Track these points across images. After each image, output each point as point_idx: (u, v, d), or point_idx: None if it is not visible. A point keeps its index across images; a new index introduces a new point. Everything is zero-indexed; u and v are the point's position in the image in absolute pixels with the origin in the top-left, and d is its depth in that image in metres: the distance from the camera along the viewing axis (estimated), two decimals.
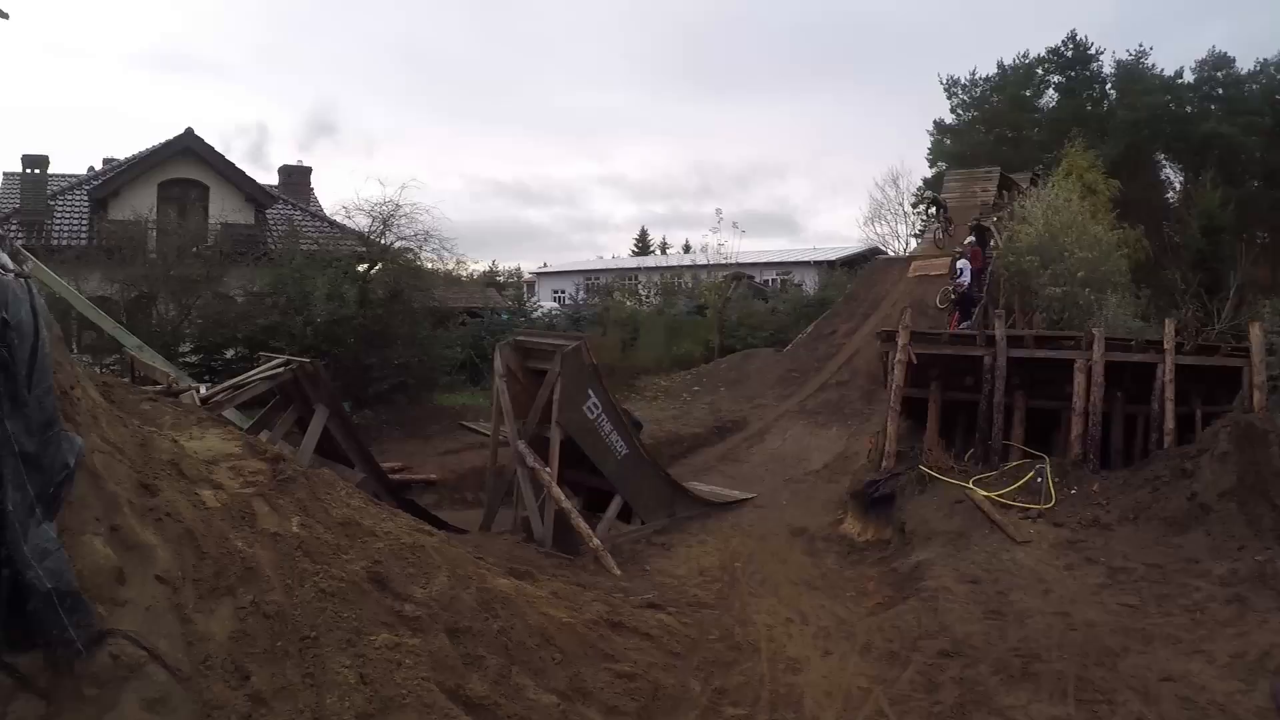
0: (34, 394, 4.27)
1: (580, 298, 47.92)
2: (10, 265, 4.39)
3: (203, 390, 11.21)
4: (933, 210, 27.80)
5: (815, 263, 49.83)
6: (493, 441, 13.61)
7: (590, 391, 12.47)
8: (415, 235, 23.04)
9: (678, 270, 46.23)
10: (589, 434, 12.51)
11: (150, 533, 5.14)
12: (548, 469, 11.89)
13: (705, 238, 64.22)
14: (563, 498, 11.86)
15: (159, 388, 10.49)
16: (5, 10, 5.77)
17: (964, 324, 20.27)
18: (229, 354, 20.72)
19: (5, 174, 28.50)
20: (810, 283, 44.10)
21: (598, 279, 55.88)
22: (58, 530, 4.45)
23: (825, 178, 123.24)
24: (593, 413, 12.47)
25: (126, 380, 11.62)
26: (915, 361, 14.08)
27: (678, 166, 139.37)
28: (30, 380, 4.24)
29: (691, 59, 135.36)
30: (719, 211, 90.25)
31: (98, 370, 13.23)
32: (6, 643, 4.21)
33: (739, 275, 36.84)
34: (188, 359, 19.68)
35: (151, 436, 6.37)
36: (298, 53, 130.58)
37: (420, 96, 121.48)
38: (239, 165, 28.00)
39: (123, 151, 38.55)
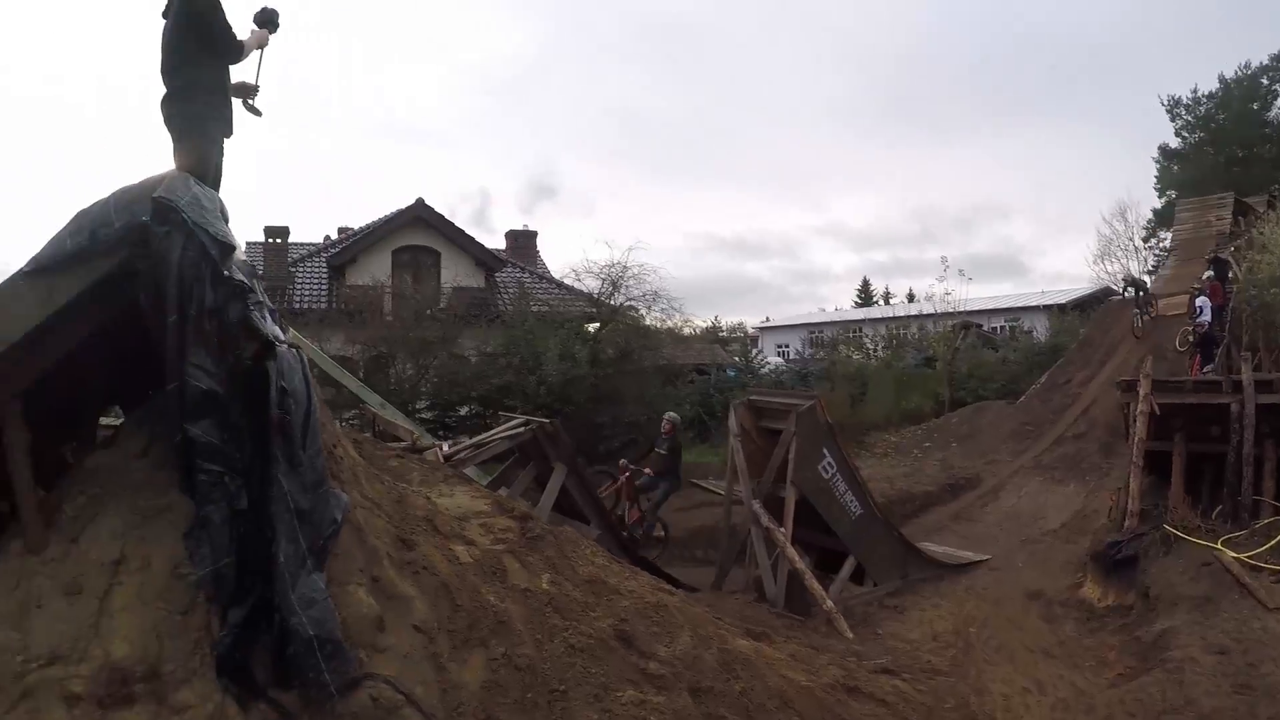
0: (307, 454, 4.52)
1: (806, 352, 47.47)
2: (284, 337, 4.70)
3: (445, 447, 11.60)
4: (1129, 292, 25.65)
5: (1044, 307, 47.70)
6: (727, 500, 13.53)
7: (825, 450, 12.23)
8: (643, 295, 23.53)
9: (903, 321, 45.12)
10: (823, 494, 12.26)
11: (408, 584, 5.36)
12: (782, 529, 11.74)
13: (931, 286, 62.77)
14: (797, 558, 11.65)
15: (403, 444, 10.94)
16: (259, 109, 6.19)
17: (1206, 368, 18.88)
18: (463, 411, 21.50)
19: (249, 244, 30.62)
20: (1040, 328, 42.07)
21: (821, 332, 54.98)
22: (325, 581, 4.68)
23: (1049, 215, 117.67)
24: (827, 472, 12.21)
25: (368, 435, 12.16)
26: (1157, 412, 13.25)
27: (896, 212, 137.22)
28: (304, 442, 4.49)
29: (901, 101, 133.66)
30: (944, 259, 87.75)
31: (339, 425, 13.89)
32: (273, 680, 4.48)
33: (967, 324, 35.52)
34: (423, 415, 20.46)
35: (407, 493, 6.66)
36: (516, 119, 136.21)
37: (636, 156, 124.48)
38: (466, 230, 29.12)
39: (356, 220, 40.75)
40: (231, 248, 4.31)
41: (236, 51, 5.76)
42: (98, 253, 4.31)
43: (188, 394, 4.10)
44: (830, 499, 12.27)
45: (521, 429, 11.78)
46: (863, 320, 48.68)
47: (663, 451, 15.30)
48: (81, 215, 4.49)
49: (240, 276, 4.29)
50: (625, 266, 23.25)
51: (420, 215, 28.01)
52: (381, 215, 29.89)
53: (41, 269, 4.35)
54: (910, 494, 18.55)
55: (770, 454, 12.50)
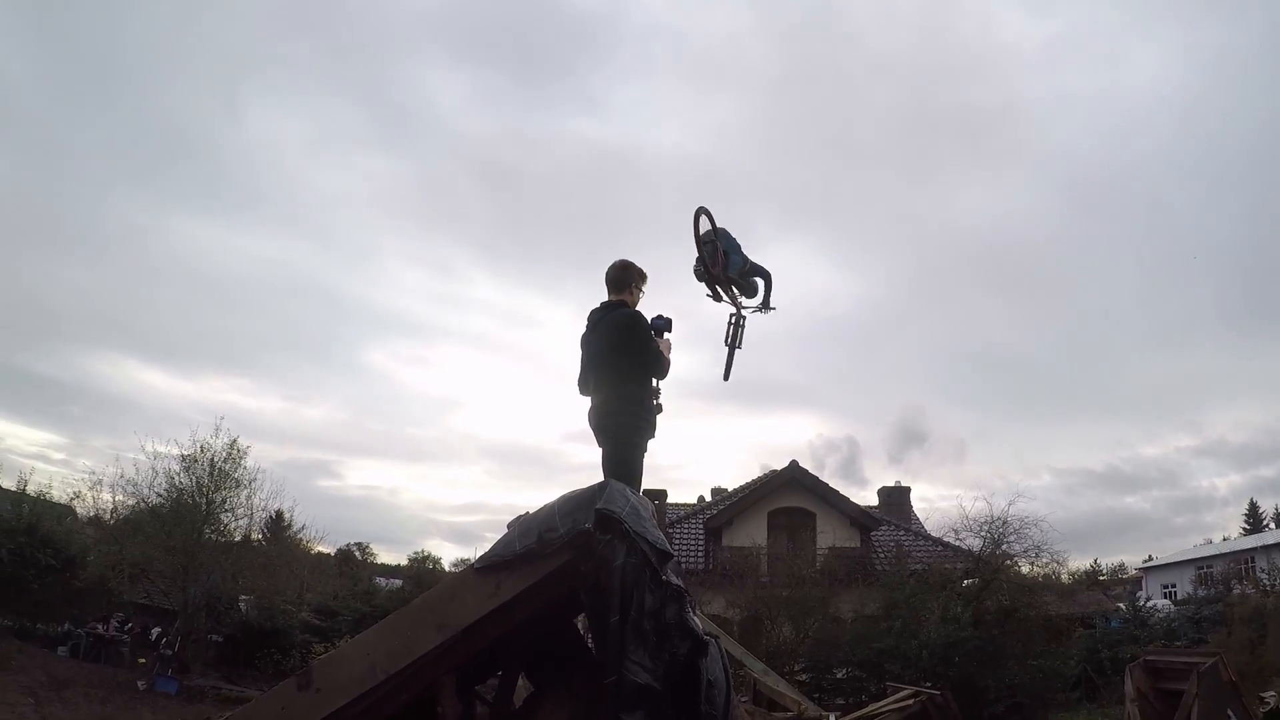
0: None
1: (1196, 591, 43.03)
2: (710, 630, 4.87)
3: (833, 718, 11.35)
4: None
5: None
6: None
7: (1230, 713, 11.06)
8: (1025, 551, 22.38)
9: None
10: None
11: None
12: None
13: None
14: None
15: (790, 715, 10.79)
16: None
17: None
18: (840, 674, 21.02)
19: None
20: None
21: (1210, 567, 49.88)
22: None
23: None
24: None
25: (747, 701, 12.08)
26: None
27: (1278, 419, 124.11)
28: None
29: (1265, 296, 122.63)
30: None
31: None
32: None
33: None
34: (799, 677, 20.16)
35: None
36: (877, 364, 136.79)
37: (1001, 394, 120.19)
38: (839, 488, 29.23)
39: (728, 482, 41.97)
40: (669, 555, 4.58)
41: (665, 369, 6.31)
42: (543, 554, 4.73)
43: (625, 687, 4.30)
44: None
45: (910, 700, 11.38)
46: (1254, 548, 44.06)
47: None
48: (529, 520, 4.97)
49: (675, 580, 4.53)
50: (1006, 521, 22.36)
51: (795, 477, 28.50)
52: (756, 476, 30.65)
53: (491, 566, 4.81)
54: None
55: (1169, 717, 11.46)
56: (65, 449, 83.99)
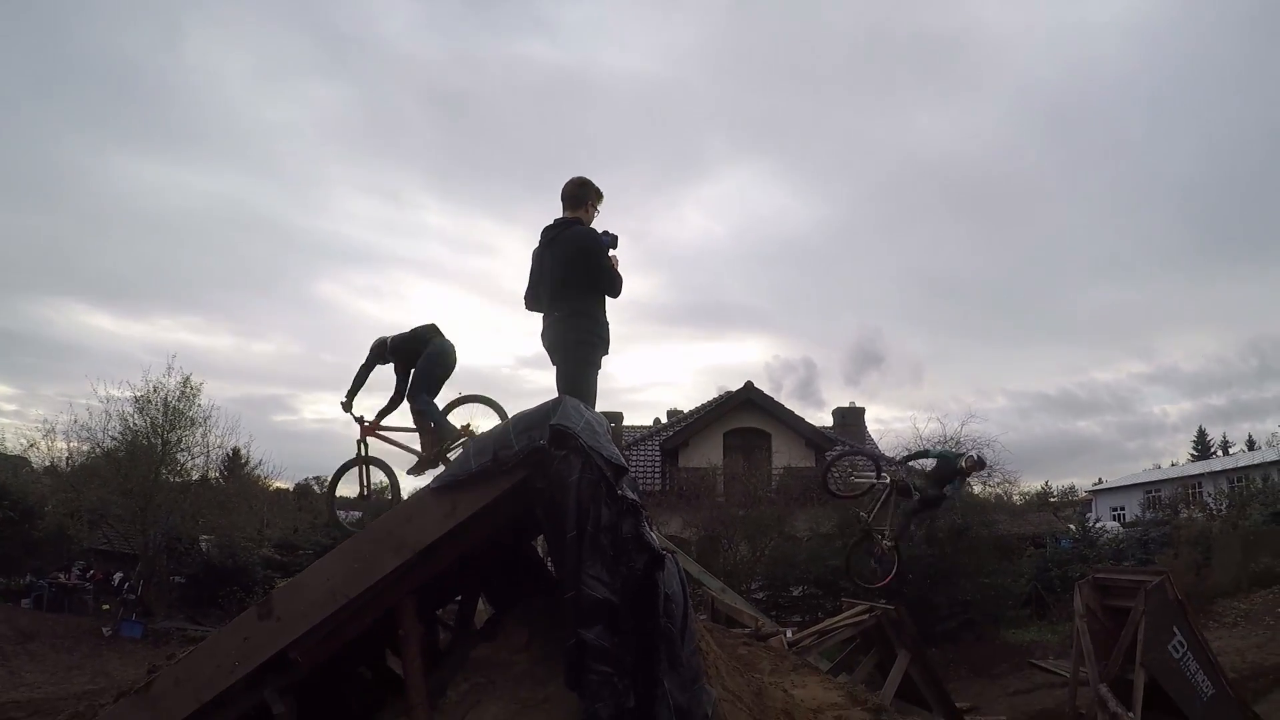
0: (685, 652, 4.68)
1: (1145, 514, 44.16)
2: (667, 545, 4.97)
3: (789, 634, 11.59)
4: None
5: None
6: (1072, 684, 12.82)
7: (1176, 629, 11.49)
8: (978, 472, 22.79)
9: (1245, 471, 41.42)
10: (1174, 675, 11.41)
11: None
12: (1130, 714, 10.90)
13: (1276, 429, 57.02)
14: None
15: (747, 630, 11.00)
16: None
17: None
18: (795, 591, 21.39)
19: None
20: None
21: (1158, 491, 51.12)
22: None
23: None
24: (1178, 651, 11.41)
25: (705, 619, 12.32)
26: None
27: (1230, 349, 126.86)
28: (683, 641, 4.67)
29: (1221, 228, 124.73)
30: None
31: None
32: None
33: None
34: (756, 595, 20.49)
35: (763, 685, 6.66)
36: (833, 286, 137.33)
37: (957, 319, 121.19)
38: (794, 409, 29.48)
39: (684, 404, 42.12)
40: (624, 469, 4.65)
41: (619, 287, 6.34)
42: (498, 472, 4.79)
43: (583, 601, 4.40)
44: (1181, 680, 11.46)
45: (865, 615, 11.66)
46: (1201, 474, 45.23)
47: None
48: (483, 438, 5.04)
49: (631, 495, 4.61)
50: (959, 441, 22.76)
51: (750, 398, 28.68)
52: (712, 398, 30.79)
53: (446, 486, 4.87)
54: (1262, 667, 16.88)
55: (1116, 634, 11.88)
56: (16, 399, 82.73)
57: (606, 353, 6.37)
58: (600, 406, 6.10)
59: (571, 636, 4.42)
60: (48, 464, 27.03)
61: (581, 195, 6.53)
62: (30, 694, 15.59)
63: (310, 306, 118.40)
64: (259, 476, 29.97)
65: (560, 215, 6.57)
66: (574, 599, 4.44)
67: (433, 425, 7.66)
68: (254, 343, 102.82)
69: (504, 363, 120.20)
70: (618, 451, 4.76)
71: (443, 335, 7.83)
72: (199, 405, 25.55)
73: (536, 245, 6.61)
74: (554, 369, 6.30)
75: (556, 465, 4.56)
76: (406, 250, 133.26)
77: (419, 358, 7.73)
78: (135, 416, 24.72)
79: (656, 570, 4.54)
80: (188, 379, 25.35)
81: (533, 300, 6.60)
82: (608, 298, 6.40)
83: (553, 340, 6.29)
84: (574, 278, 6.22)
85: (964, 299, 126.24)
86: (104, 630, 22.17)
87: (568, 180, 6.60)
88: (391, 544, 4.87)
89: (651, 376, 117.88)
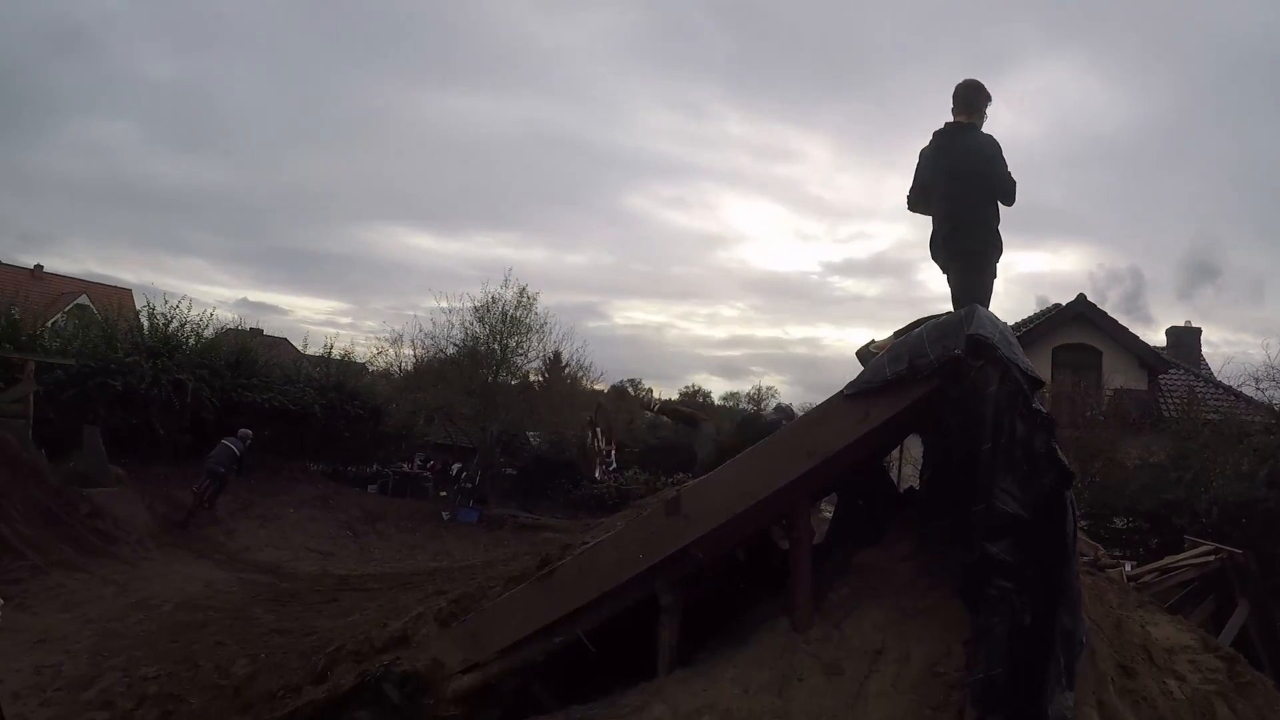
0: (1071, 576, 4.67)
1: None
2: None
3: (1129, 568, 11.16)
4: None
5: None
6: None
7: None
8: None
9: None
10: None
11: (1129, 713, 5.24)
12: None
13: None
14: None
15: (1085, 559, 10.70)
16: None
17: None
18: (1119, 523, 20.41)
19: None
20: None
21: None
22: (1073, 700, 4.76)
23: None
24: None
25: None
26: None
27: None
28: (1070, 564, 4.66)
29: None
30: None
31: None
32: None
33: None
34: (1079, 524, 19.66)
35: (1122, 618, 6.53)
36: (1168, 198, 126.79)
37: None
38: (1127, 326, 27.84)
39: (1003, 316, 40.43)
40: (1040, 382, 4.64)
41: (1014, 195, 6.24)
42: (913, 380, 4.87)
43: (993, 515, 4.44)
44: None
45: (1210, 557, 11.00)
46: None
47: None
48: (899, 345, 5.12)
49: (1043, 409, 4.59)
50: None
51: (1082, 311, 27.31)
52: (1035, 311, 29.55)
53: (860, 392, 5.01)
54: None
55: None
56: (350, 314, 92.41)
57: (999, 259, 6.34)
58: (912, 317, 6.02)
59: (976, 550, 4.47)
60: (392, 368, 29.43)
61: (975, 100, 6.49)
62: (380, 568, 17.01)
63: (620, 219, 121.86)
64: (580, 378, 31.42)
65: (951, 119, 6.52)
66: (983, 512, 4.47)
67: None
68: (567, 255, 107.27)
69: (811, 269, 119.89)
70: (1031, 364, 4.74)
71: None
72: (535, 313, 27.10)
73: (926, 145, 6.60)
74: (943, 276, 6.31)
75: (973, 375, 4.59)
76: (709, 161, 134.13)
77: None
78: (475, 324, 26.57)
79: (1065, 488, 4.50)
80: (524, 289, 26.82)
81: (919, 202, 6.62)
82: (1001, 205, 6.33)
83: (949, 247, 6.31)
84: (971, 186, 6.20)
85: None
86: (443, 515, 24.02)
87: (961, 82, 6.55)
88: (804, 447, 5.05)
89: None
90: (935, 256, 6.40)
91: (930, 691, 4.98)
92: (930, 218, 6.56)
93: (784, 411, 12.04)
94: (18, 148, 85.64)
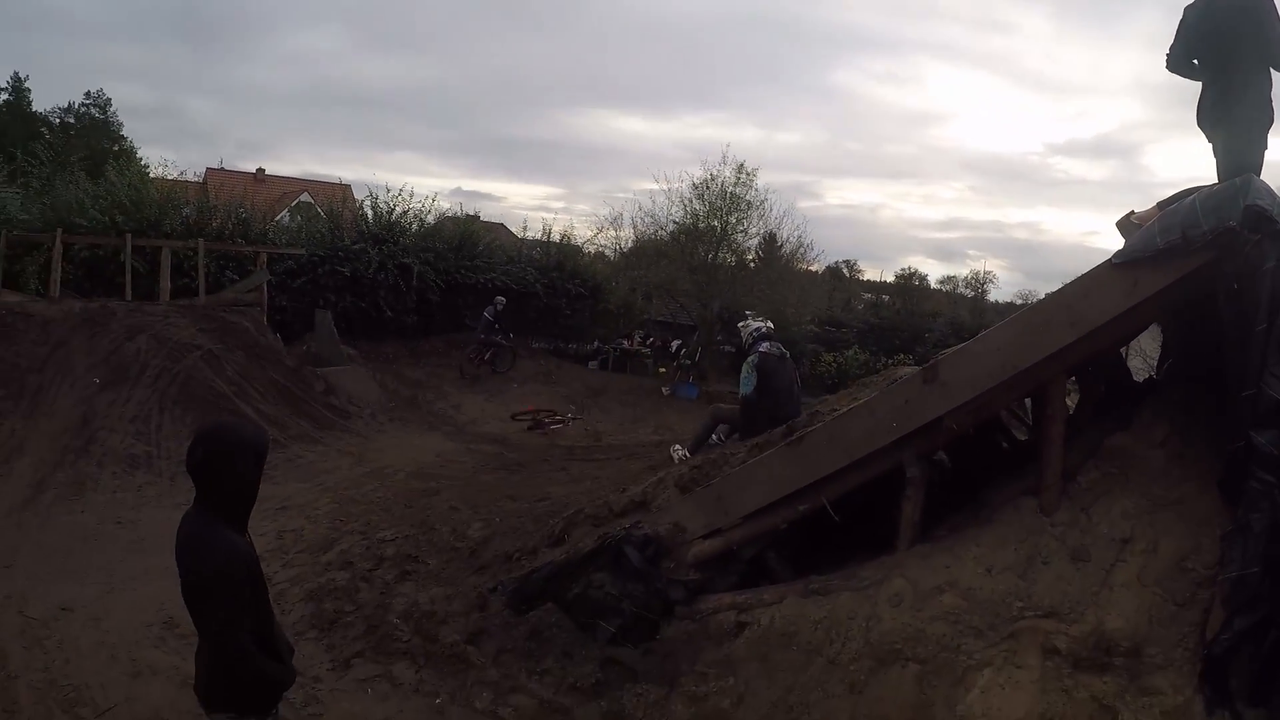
0: None
1: None
2: None
3: None
4: None
5: None
6: None
7: None
8: None
9: None
10: None
11: None
12: None
13: None
14: None
15: None
16: None
17: None
18: None
19: None
20: None
21: None
22: None
23: None
24: None
25: None
26: None
27: None
28: None
29: None
30: None
31: None
32: (1246, 693, 4.36)
33: None
34: None
35: None
36: None
37: None
38: None
39: None
40: None
41: None
42: (1185, 252, 4.55)
43: (1262, 402, 4.14)
44: None
45: None
46: None
47: None
48: (1170, 214, 4.77)
49: None
50: None
51: None
52: None
53: (1129, 261, 4.71)
54: None
55: None
56: (563, 198, 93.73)
57: (1270, 130, 5.73)
58: (1140, 204, 5.55)
59: (1240, 439, 4.19)
60: (610, 247, 29.76)
61: None
62: (606, 440, 17.48)
63: (830, 96, 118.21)
64: (796, 259, 31.01)
65: None
66: (1252, 398, 4.17)
67: None
68: (777, 134, 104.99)
69: (1032, 149, 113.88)
70: None
71: None
72: (754, 189, 26.70)
73: (1191, 2, 5.98)
74: (1209, 145, 5.83)
75: (1248, 250, 4.24)
76: (921, 34, 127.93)
77: None
78: (695, 201, 26.40)
79: None
80: (742, 165, 26.30)
81: (1177, 63, 6.07)
82: (1273, 70, 5.77)
83: (1214, 114, 5.76)
84: (1239, 46, 5.61)
85: None
86: (663, 390, 24.31)
87: None
88: (1068, 318, 4.83)
89: (1197, 172, 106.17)
90: (1201, 124, 5.89)
91: (1177, 586, 4.80)
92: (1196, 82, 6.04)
93: (758, 334, 10.21)
94: (232, 62, 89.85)
